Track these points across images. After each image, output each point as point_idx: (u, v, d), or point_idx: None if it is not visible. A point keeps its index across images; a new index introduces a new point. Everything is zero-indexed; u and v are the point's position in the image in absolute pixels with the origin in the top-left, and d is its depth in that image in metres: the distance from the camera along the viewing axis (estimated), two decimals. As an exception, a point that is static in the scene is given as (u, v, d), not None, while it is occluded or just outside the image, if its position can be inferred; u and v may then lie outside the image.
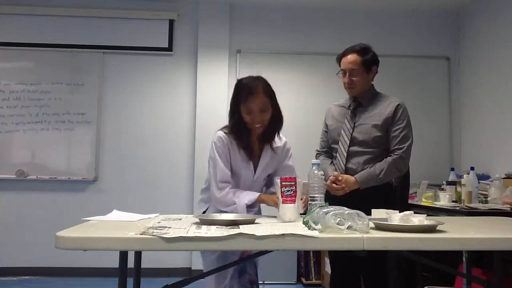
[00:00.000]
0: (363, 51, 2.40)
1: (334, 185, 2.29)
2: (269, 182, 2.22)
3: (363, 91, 2.44)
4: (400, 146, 2.34)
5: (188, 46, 4.68)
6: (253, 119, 2.05)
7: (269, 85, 2.09)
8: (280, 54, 4.69)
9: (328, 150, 2.56)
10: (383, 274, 2.34)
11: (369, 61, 2.40)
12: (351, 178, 2.30)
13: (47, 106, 4.49)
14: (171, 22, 4.66)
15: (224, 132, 2.12)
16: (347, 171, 2.37)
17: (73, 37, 4.55)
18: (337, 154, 2.43)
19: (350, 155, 2.38)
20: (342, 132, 2.42)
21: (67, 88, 4.52)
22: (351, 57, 2.39)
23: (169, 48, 4.65)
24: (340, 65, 2.46)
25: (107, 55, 4.60)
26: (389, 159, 2.33)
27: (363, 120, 2.41)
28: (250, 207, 2.04)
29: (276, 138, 2.19)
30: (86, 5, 4.59)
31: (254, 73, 2.16)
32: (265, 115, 2.06)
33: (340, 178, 2.30)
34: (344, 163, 2.38)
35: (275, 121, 2.13)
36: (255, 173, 2.14)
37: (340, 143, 2.42)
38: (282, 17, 4.74)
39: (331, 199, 2.11)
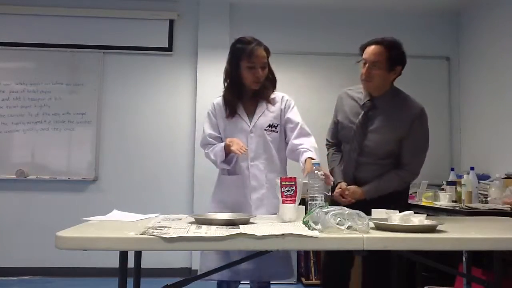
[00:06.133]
0: (390, 45, 2.19)
1: (342, 198, 2.20)
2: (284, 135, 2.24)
3: (381, 90, 2.24)
4: (413, 161, 2.24)
5: (188, 46, 4.67)
6: (254, 74, 2.14)
7: (265, 45, 2.23)
8: (280, 54, 4.66)
9: (338, 143, 2.45)
10: (385, 276, 2.28)
11: (393, 58, 2.18)
12: (358, 190, 2.20)
13: (47, 106, 4.48)
14: (171, 22, 4.66)
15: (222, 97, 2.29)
16: (355, 180, 2.26)
17: (73, 37, 4.55)
18: (346, 161, 2.31)
19: (359, 164, 2.25)
20: (353, 135, 2.26)
21: (67, 88, 4.52)
22: (375, 48, 2.19)
23: (169, 48, 4.64)
24: (362, 55, 2.27)
25: (107, 55, 4.60)
26: (400, 173, 2.23)
27: (377, 129, 2.23)
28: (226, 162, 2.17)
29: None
30: (86, 5, 4.58)
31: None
32: (264, 72, 2.17)
33: (347, 192, 2.20)
34: (353, 172, 2.27)
35: (269, 81, 2.25)
36: (250, 123, 2.21)
37: (349, 148, 2.29)
38: (282, 17, 4.73)
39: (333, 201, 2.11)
